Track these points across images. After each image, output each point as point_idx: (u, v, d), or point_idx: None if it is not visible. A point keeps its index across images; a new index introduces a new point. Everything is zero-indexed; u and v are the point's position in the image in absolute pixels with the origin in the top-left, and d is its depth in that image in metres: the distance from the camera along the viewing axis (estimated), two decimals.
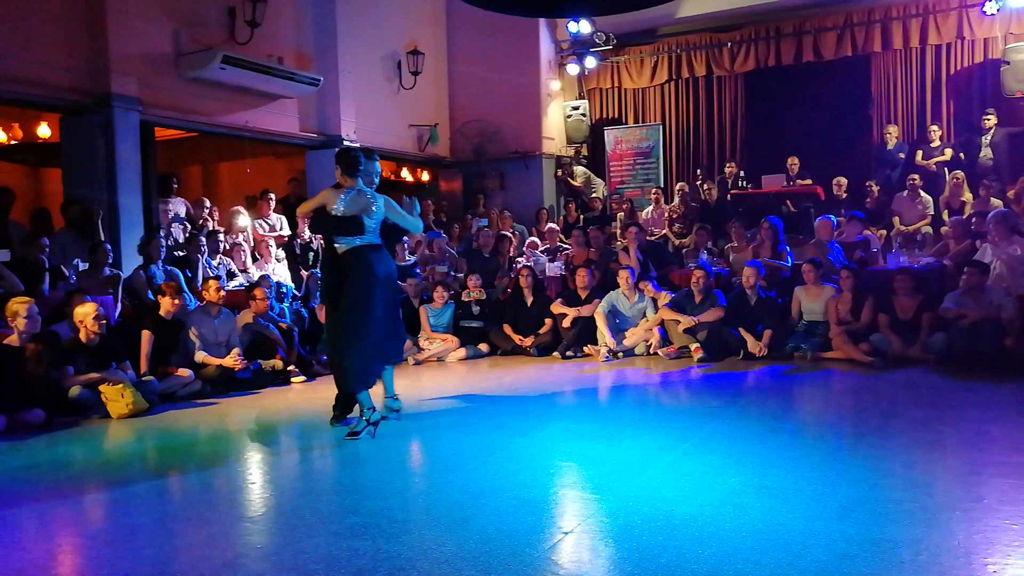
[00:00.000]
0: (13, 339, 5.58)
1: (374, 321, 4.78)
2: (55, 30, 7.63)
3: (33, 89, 7.53)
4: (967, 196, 9.73)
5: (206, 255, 8.17)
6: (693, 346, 7.48)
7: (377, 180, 5.15)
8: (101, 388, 5.75)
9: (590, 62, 12.75)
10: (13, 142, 9.77)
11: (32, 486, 4.10)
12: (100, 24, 7.86)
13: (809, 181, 10.68)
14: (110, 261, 7.25)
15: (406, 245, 9.21)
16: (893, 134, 11.01)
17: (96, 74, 7.87)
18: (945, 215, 9.63)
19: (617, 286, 8.16)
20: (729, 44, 12.44)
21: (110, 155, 7.89)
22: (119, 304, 7.11)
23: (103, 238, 7.49)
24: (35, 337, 5.64)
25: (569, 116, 13.10)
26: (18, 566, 2.98)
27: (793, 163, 10.94)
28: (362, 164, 4.95)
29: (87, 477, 4.34)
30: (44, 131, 9.34)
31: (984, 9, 10.24)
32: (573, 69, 12.93)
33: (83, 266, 7.21)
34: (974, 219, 8.58)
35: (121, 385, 5.76)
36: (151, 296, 7.23)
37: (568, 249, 9.94)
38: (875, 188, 10.43)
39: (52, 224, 7.90)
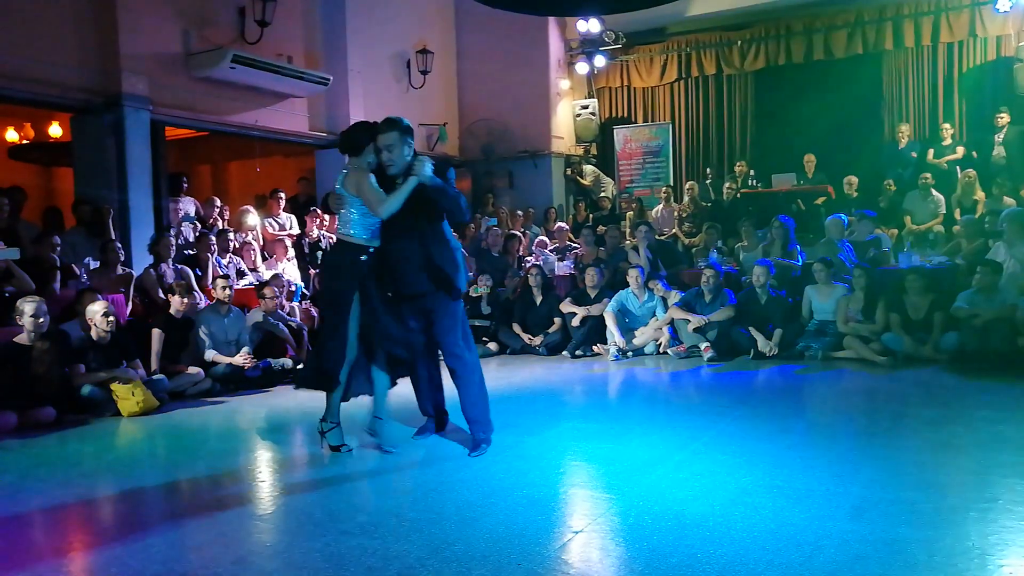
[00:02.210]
0: (23, 337, 5.60)
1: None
2: (66, 30, 7.66)
3: (44, 89, 7.56)
4: (979, 195, 9.67)
5: (216, 254, 8.19)
6: (703, 345, 7.45)
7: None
8: (112, 386, 5.78)
9: (599, 61, 12.72)
10: (25, 141, 9.84)
11: (43, 483, 4.11)
12: (110, 24, 7.89)
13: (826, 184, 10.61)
14: (121, 260, 7.27)
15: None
16: (904, 132, 10.95)
17: (107, 74, 7.90)
18: (957, 214, 9.57)
19: (626, 285, 8.13)
20: (739, 42, 12.38)
21: (121, 154, 7.92)
22: (130, 303, 7.13)
23: (114, 237, 7.52)
24: (45, 335, 5.67)
25: (578, 115, 13.08)
26: (29, 563, 2.99)
27: (809, 160, 10.87)
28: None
29: (97, 475, 4.35)
30: (55, 130, 9.41)
31: (997, 6, 10.16)
32: (582, 68, 12.91)
33: (94, 265, 7.24)
34: (987, 218, 8.52)
35: (132, 383, 5.79)
36: (161, 295, 7.25)
37: (577, 248, 9.91)
38: (891, 187, 10.36)
39: (63, 223, 7.93)
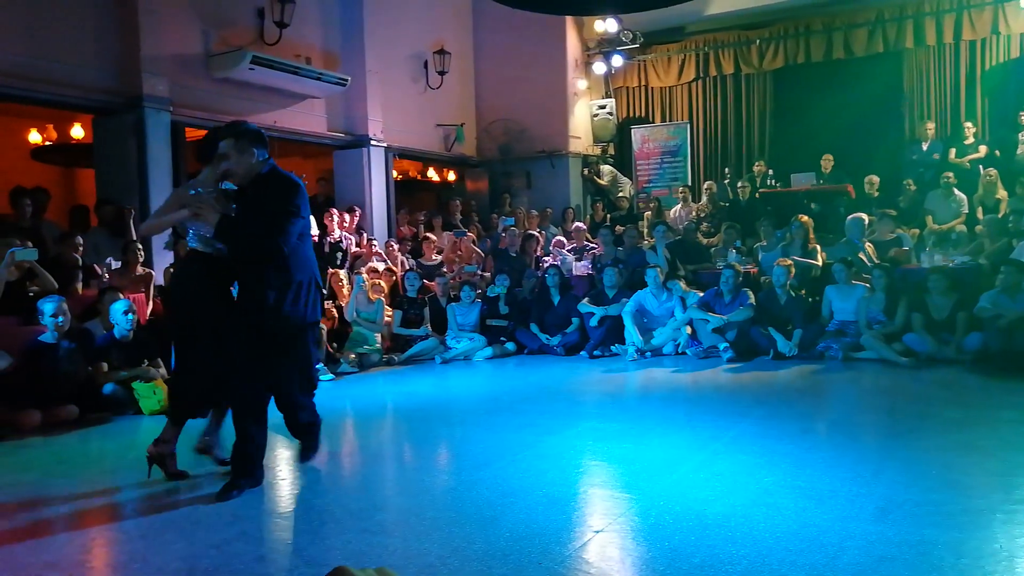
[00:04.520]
0: (48, 336, 5.66)
1: None
2: (88, 33, 7.73)
3: (67, 90, 7.64)
4: (1001, 193, 9.55)
5: None
6: (722, 346, 7.40)
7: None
8: (133, 384, 5.83)
9: (617, 61, 12.69)
10: (48, 143, 9.92)
11: (66, 480, 4.14)
12: (131, 26, 7.96)
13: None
14: (141, 260, 7.33)
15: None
16: (926, 131, 10.83)
17: (128, 75, 7.97)
18: (980, 213, 9.46)
19: (644, 285, 8.10)
20: (758, 41, 12.31)
21: (141, 155, 7.97)
22: (150, 302, 7.18)
23: (135, 237, 7.57)
24: (69, 334, 5.73)
25: (596, 115, 13.05)
26: (52, 559, 3.01)
27: (827, 160, 10.78)
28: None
29: (119, 472, 4.38)
30: (77, 132, 9.47)
31: (1021, 3, 10.03)
32: (600, 68, 12.88)
33: (116, 264, 7.31)
34: (1011, 217, 8.41)
35: (153, 382, 5.84)
36: None
37: (595, 248, 9.89)
38: (912, 186, 10.26)
39: (89, 222, 8.00)
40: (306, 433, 4.19)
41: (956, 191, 9.74)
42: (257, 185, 3.85)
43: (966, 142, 10.45)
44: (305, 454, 4.22)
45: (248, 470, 3.82)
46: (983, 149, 10.35)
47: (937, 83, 11.41)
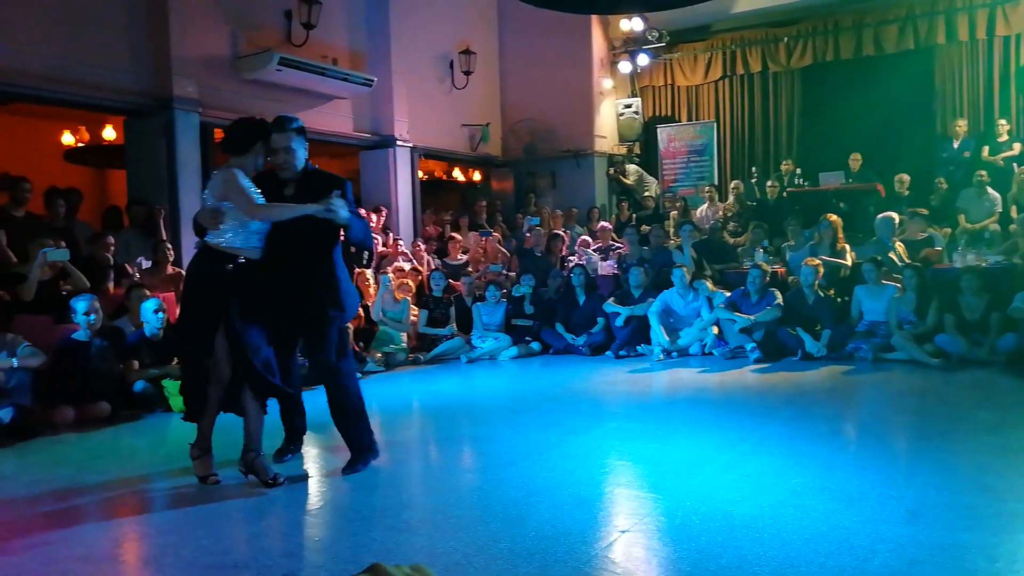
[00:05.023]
0: (81, 334, 5.76)
1: None
2: (118, 36, 7.84)
3: (98, 93, 7.75)
4: None
5: None
6: (749, 346, 7.34)
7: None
8: (163, 382, 5.91)
9: (643, 60, 12.63)
10: (80, 144, 10.08)
11: (99, 475, 4.21)
12: (162, 28, 8.06)
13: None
14: (171, 259, 7.43)
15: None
16: (958, 129, 10.66)
17: (158, 77, 8.07)
18: (1014, 212, 9.29)
19: (671, 285, 8.06)
20: (785, 39, 12.19)
21: (171, 156, 8.08)
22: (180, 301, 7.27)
23: (165, 237, 7.68)
24: (100, 332, 5.83)
25: (621, 114, 13.00)
26: (85, 553, 3.07)
27: (855, 159, 10.65)
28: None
29: (150, 468, 4.44)
30: (109, 133, 9.61)
31: None
32: (626, 67, 12.83)
33: (146, 264, 7.41)
34: None
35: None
36: None
37: (620, 247, 9.86)
38: (943, 184, 10.10)
39: (122, 222, 8.13)
40: (352, 448, 4.12)
41: (989, 189, 9.58)
42: (306, 180, 3.96)
43: (1000, 139, 10.28)
44: (347, 467, 4.06)
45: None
46: (1017, 147, 10.16)
47: (970, 80, 11.22)
